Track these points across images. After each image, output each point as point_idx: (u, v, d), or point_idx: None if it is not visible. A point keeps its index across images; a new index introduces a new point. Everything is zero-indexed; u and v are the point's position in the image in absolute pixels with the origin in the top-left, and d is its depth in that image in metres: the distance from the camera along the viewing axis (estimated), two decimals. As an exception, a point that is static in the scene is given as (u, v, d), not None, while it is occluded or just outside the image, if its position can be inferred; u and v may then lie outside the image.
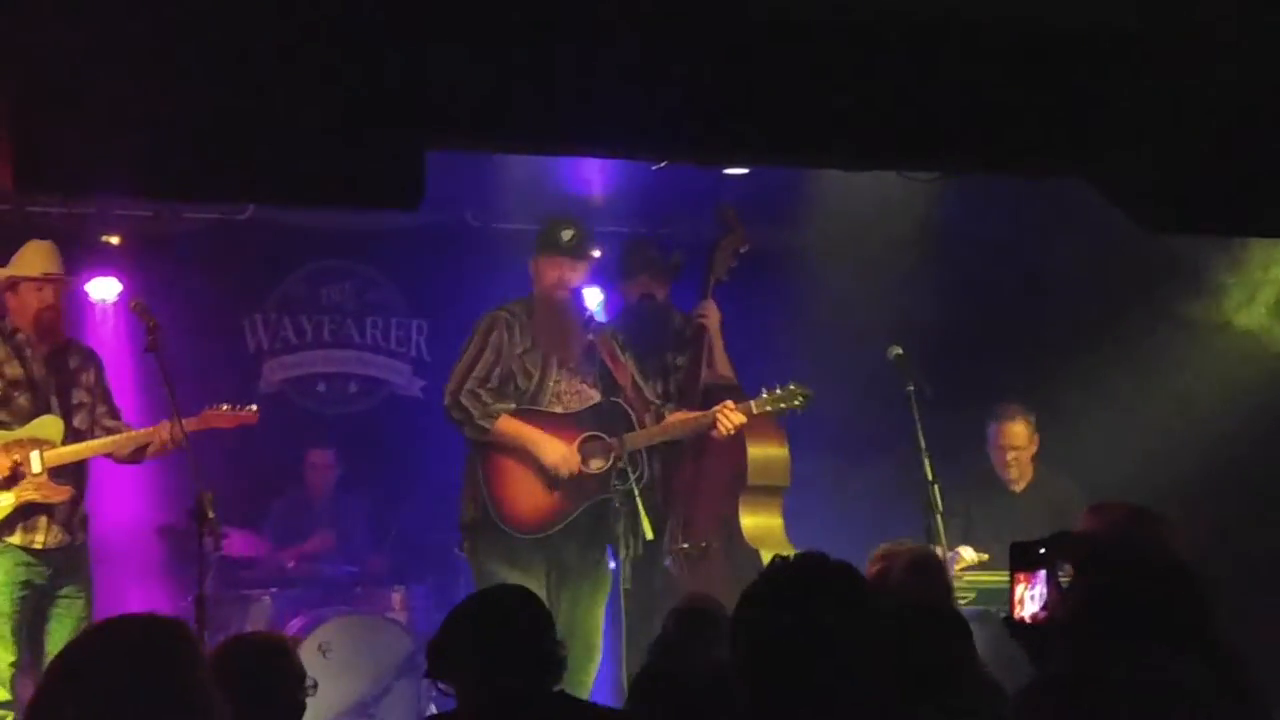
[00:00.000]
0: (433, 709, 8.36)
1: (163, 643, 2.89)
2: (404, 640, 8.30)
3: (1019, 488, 7.84)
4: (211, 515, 6.14)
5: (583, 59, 5.33)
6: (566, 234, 6.97)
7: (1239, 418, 7.76)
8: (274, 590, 8.61)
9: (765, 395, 7.01)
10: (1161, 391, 7.97)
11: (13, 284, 6.75)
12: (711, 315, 7.42)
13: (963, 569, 7.23)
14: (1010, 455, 7.80)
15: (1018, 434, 7.80)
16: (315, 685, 4.33)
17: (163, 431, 6.67)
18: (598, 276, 7.71)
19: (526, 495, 6.84)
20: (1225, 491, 7.66)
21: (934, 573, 5.16)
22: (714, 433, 6.94)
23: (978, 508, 7.63)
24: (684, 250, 7.69)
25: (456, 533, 8.86)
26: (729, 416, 6.90)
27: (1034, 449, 7.84)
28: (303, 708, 4.24)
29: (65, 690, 2.84)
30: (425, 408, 9.64)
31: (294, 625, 8.21)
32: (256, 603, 8.49)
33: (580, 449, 6.86)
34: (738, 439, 7.16)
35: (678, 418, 7.01)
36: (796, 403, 7.01)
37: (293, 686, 4.22)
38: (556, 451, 6.80)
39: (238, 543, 8.39)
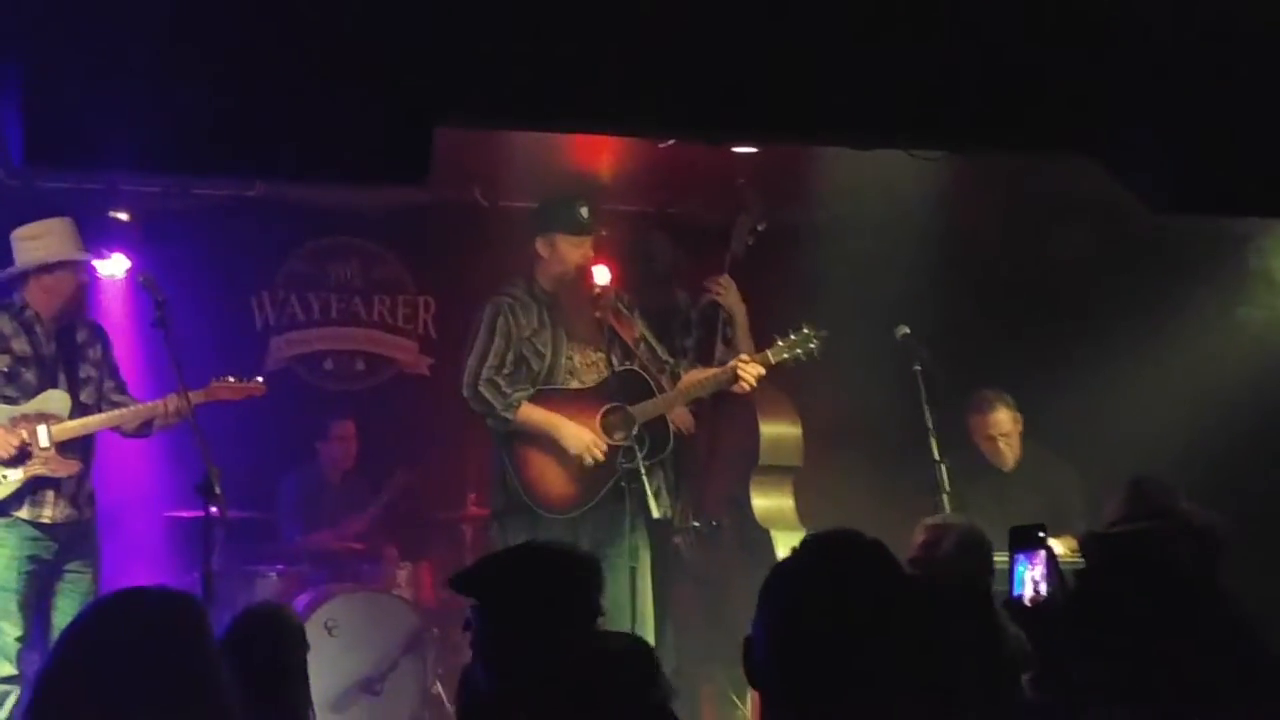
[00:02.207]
0: (438, 686, 8.38)
1: (172, 615, 2.90)
2: (410, 617, 8.31)
3: (1009, 468, 7.84)
4: (218, 491, 6.15)
5: (591, 35, 5.32)
6: (584, 211, 6.95)
7: (1247, 399, 7.77)
8: (280, 567, 8.62)
9: (780, 343, 6.97)
10: (1169, 373, 7.97)
11: (47, 268, 6.74)
12: (727, 291, 7.36)
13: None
14: (1002, 442, 7.80)
15: (1002, 421, 7.80)
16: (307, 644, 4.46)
17: (170, 404, 6.68)
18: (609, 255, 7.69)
19: (555, 476, 6.80)
20: (1231, 473, 7.66)
21: (983, 552, 5.17)
22: (736, 388, 6.86)
23: (970, 489, 7.63)
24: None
25: (462, 509, 8.90)
26: (748, 369, 6.83)
27: (1020, 428, 7.84)
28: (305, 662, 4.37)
29: (75, 662, 2.85)
30: (432, 385, 9.66)
31: (300, 602, 8.21)
32: (263, 579, 8.50)
33: (602, 423, 6.81)
34: (750, 416, 7.13)
35: (693, 377, 6.95)
36: (812, 345, 6.96)
37: (302, 655, 4.32)
38: (580, 439, 6.75)
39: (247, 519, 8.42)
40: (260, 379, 7.12)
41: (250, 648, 4.26)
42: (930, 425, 6.83)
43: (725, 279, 7.37)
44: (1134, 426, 7.90)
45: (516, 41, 5.24)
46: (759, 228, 7.42)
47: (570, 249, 6.93)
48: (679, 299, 7.57)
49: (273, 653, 4.36)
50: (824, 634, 2.73)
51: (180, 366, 6.43)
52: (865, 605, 2.75)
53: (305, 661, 4.51)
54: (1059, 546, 7.33)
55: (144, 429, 6.85)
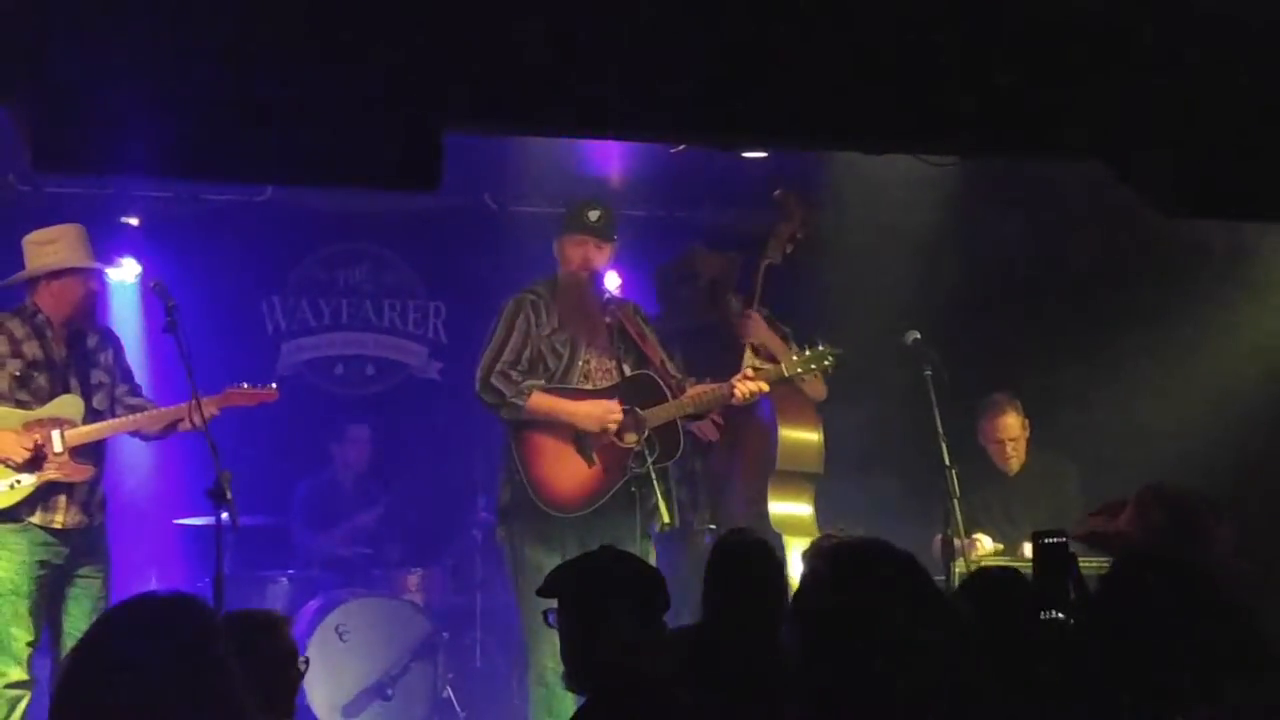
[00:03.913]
0: (449, 690, 8.39)
1: (185, 619, 2.91)
2: (421, 622, 8.32)
3: (1014, 472, 7.84)
4: (229, 496, 6.15)
5: (601, 40, 5.32)
6: (593, 214, 6.90)
7: (1262, 405, 7.77)
8: (291, 571, 8.63)
9: (794, 357, 6.96)
10: (1183, 379, 7.97)
11: (57, 274, 6.75)
12: (755, 329, 7.31)
13: (981, 557, 7.23)
14: (1009, 446, 7.80)
15: (1011, 425, 7.80)
16: (307, 662, 4.32)
17: (193, 409, 6.68)
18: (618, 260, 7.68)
19: (565, 472, 6.74)
20: (1245, 480, 7.64)
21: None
22: (734, 400, 6.87)
23: (975, 492, 7.61)
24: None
25: (473, 514, 8.90)
26: (745, 385, 6.83)
27: (1027, 433, 7.83)
28: (295, 684, 4.23)
29: (92, 667, 2.86)
30: (442, 390, 9.68)
31: (311, 607, 8.23)
32: (274, 584, 8.51)
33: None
34: (770, 422, 7.12)
35: (696, 391, 6.93)
36: (826, 362, 6.95)
37: (283, 662, 4.20)
38: (593, 414, 6.69)
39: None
40: (273, 385, 7.12)
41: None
42: (940, 430, 6.81)
43: (750, 313, 7.31)
44: (1148, 432, 7.89)
45: (525, 46, 5.24)
46: (799, 237, 7.37)
47: (572, 248, 6.90)
48: (725, 309, 7.51)
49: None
50: (853, 642, 2.72)
51: (191, 372, 6.43)
52: (895, 615, 2.74)
53: (286, 673, 4.29)
54: None
55: (166, 432, 6.85)
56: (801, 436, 7.26)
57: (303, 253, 9.73)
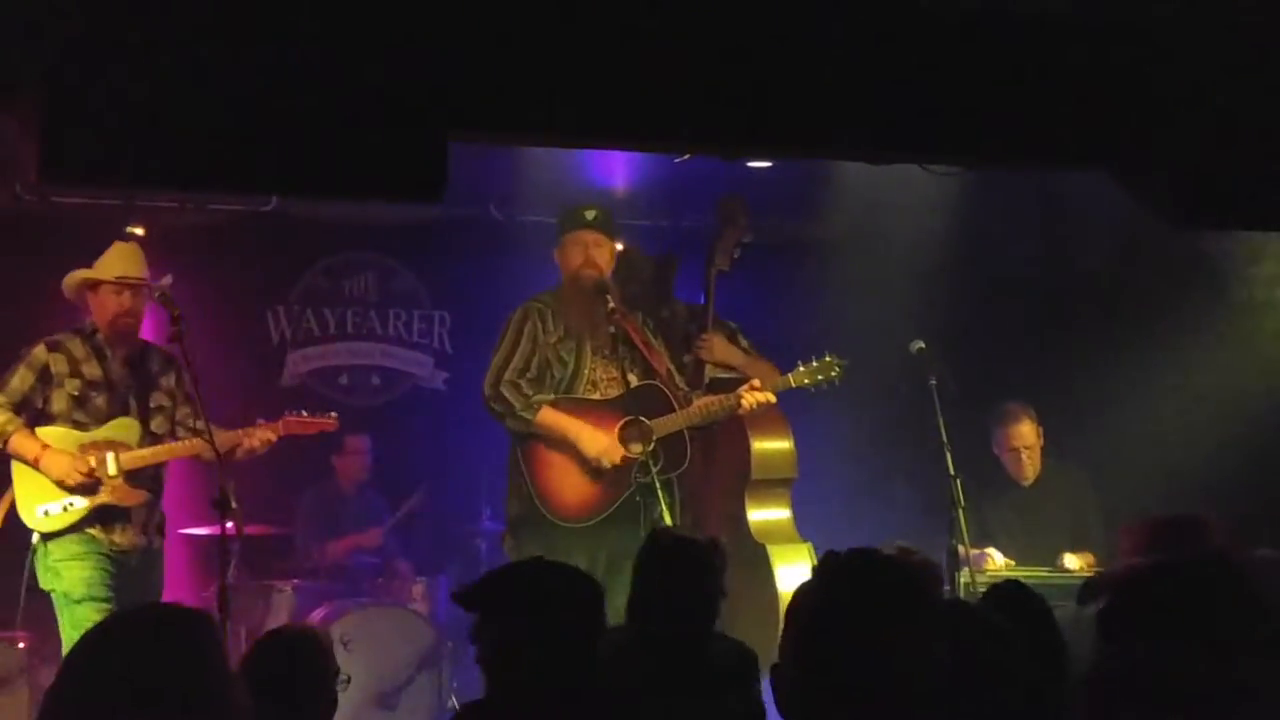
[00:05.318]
0: (454, 701, 8.38)
1: (183, 632, 2.90)
2: (426, 631, 8.30)
3: (1029, 482, 7.83)
4: (234, 505, 6.14)
5: (606, 51, 5.33)
6: (589, 214, 6.92)
7: (1269, 412, 7.76)
8: (297, 581, 8.62)
9: (802, 369, 6.95)
10: (1190, 387, 7.96)
11: (93, 285, 6.73)
12: (711, 350, 7.29)
13: (992, 571, 7.21)
14: (1024, 455, 7.78)
15: (1025, 434, 7.78)
16: (348, 679, 4.32)
17: (254, 432, 6.70)
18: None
19: (571, 485, 6.76)
20: (1252, 488, 7.64)
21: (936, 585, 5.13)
22: (740, 411, 6.87)
23: (989, 503, 7.61)
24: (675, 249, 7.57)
25: (478, 524, 8.89)
26: (751, 396, 6.84)
27: (1041, 443, 7.83)
28: (335, 701, 4.24)
29: (86, 678, 2.85)
30: (447, 400, 9.68)
31: (316, 616, 8.21)
32: (279, 593, 8.50)
33: (620, 435, 6.77)
34: (741, 434, 7.12)
35: (703, 401, 6.93)
36: (834, 373, 6.93)
37: (325, 679, 4.21)
38: (598, 444, 6.71)
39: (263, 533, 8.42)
40: (333, 414, 7.16)
41: (264, 673, 4.07)
42: (945, 440, 6.81)
43: (708, 337, 7.29)
44: (1161, 440, 7.89)
45: (530, 57, 5.25)
46: (745, 241, 7.36)
47: (572, 247, 6.90)
48: (674, 312, 7.51)
49: (288, 683, 4.18)
50: (843, 656, 2.71)
51: (197, 381, 6.43)
52: (884, 627, 2.73)
53: (325, 692, 4.30)
54: (1078, 561, 7.33)
55: (226, 457, 6.81)
56: (774, 445, 7.25)
57: (308, 263, 9.72)
